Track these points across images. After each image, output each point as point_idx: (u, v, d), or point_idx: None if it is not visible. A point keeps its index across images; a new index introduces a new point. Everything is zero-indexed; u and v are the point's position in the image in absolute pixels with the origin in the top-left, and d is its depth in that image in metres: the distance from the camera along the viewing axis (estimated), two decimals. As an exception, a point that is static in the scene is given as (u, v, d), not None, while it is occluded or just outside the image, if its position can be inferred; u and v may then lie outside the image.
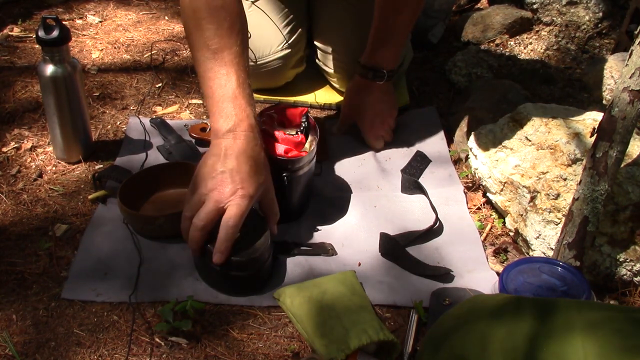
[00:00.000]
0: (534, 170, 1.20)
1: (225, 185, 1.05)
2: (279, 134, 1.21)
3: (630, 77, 1.02)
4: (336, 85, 1.65)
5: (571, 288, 1.02)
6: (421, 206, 1.32)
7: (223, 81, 1.07)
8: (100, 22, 2.02)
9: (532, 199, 1.19)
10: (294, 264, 1.17)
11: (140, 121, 1.53)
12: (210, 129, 1.16)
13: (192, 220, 1.06)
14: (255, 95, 1.66)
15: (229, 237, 1.04)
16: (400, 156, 1.46)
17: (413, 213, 1.30)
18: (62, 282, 1.12)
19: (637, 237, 1.13)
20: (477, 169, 1.34)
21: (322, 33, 1.62)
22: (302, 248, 1.20)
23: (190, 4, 1.10)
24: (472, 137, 1.38)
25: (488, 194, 1.33)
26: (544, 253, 1.17)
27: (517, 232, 1.24)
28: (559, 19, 1.83)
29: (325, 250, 1.20)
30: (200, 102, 1.65)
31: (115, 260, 1.16)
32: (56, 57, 1.30)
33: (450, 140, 1.52)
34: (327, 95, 1.66)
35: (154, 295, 1.10)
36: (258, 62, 1.59)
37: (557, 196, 1.16)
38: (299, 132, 1.22)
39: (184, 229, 1.09)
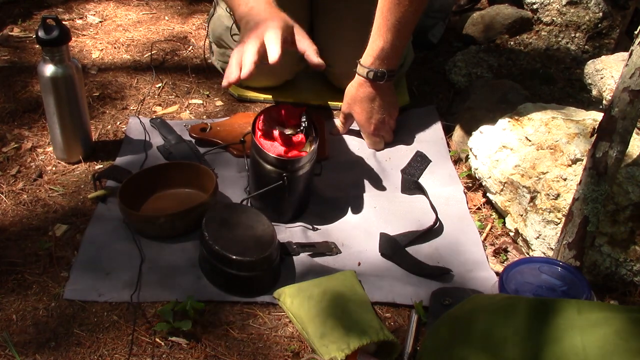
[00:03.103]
0: (534, 170, 1.20)
1: (256, 30, 1.16)
2: (279, 134, 1.21)
3: (630, 77, 1.02)
4: (336, 85, 1.65)
5: (571, 288, 1.02)
6: (421, 206, 1.32)
7: None
8: (100, 22, 2.02)
9: (532, 199, 1.19)
10: (296, 263, 1.17)
11: (140, 121, 1.53)
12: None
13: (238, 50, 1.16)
14: (255, 95, 1.66)
15: (276, 41, 1.13)
16: (400, 156, 1.46)
17: (413, 213, 1.30)
18: (62, 282, 1.12)
19: (637, 237, 1.13)
20: (477, 169, 1.34)
21: (323, 32, 1.62)
22: (306, 247, 1.19)
23: None
24: (472, 137, 1.38)
25: (488, 194, 1.33)
26: (544, 253, 1.17)
27: (517, 232, 1.24)
28: (559, 19, 1.82)
29: (329, 249, 1.20)
30: (201, 102, 1.65)
31: (117, 260, 1.16)
32: (56, 57, 1.30)
33: (450, 140, 1.52)
34: (327, 95, 1.66)
35: (155, 295, 1.10)
36: None
37: (557, 196, 1.16)
38: (299, 132, 1.22)
39: (227, 71, 1.15)
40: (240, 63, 1.14)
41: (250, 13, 1.21)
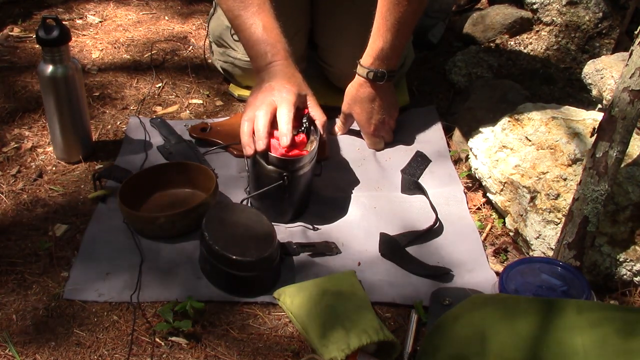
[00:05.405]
0: (534, 170, 1.20)
1: (270, 95, 1.22)
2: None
3: (630, 77, 1.02)
4: (336, 85, 1.65)
5: (571, 288, 1.02)
6: (421, 206, 1.32)
7: (253, 29, 1.29)
8: (100, 22, 2.02)
9: (532, 199, 1.19)
10: (296, 263, 1.17)
11: (140, 121, 1.53)
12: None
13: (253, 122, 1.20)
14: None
15: (288, 120, 1.18)
16: (400, 156, 1.46)
17: (413, 213, 1.30)
18: (62, 282, 1.12)
19: (637, 237, 1.13)
20: (477, 169, 1.34)
21: (323, 32, 1.62)
22: (306, 247, 1.19)
23: None
24: (472, 137, 1.38)
25: (488, 194, 1.33)
26: (544, 253, 1.17)
27: (517, 232, 1.24)
28: (559, 19, 1.82)
29: (330, 249, 1.20)
30: (201, 102, 1.65)
31: (117, 260, 1.16)
32: (56, 57, 1.30)
33: (450, 140, 1.52)
34: (327, 95, 1.66)
35: (155, 295, 1.10)
36: None
37: (557, 196, 1.16)
38: (299, 132, 1.22)
39: (244, 140, 1.20)
40: (252, 133, 1.19)
41: (268, 71, 1.27)
